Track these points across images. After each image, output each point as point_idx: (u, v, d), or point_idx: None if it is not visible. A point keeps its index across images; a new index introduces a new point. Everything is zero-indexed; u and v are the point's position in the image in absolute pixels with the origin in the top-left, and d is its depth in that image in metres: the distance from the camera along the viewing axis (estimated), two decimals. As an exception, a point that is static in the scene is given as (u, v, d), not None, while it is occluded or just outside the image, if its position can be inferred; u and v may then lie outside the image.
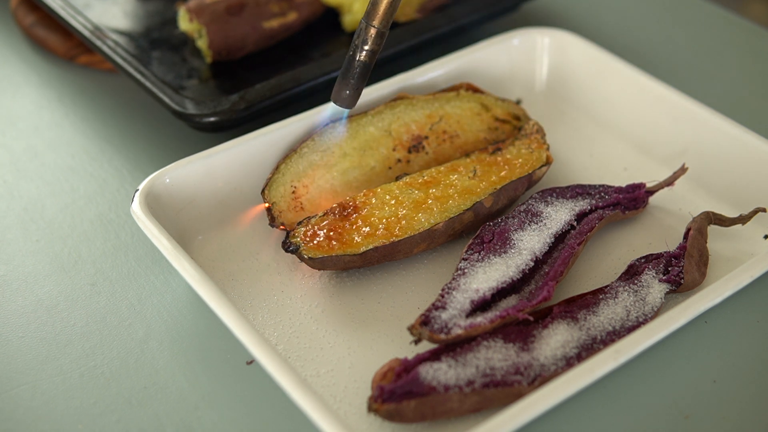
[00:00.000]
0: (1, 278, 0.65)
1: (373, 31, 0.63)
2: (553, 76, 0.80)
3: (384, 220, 0.62)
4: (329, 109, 0.68)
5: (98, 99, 0.83)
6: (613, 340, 0.56)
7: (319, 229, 0.62)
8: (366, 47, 0.64)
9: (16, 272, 0.66)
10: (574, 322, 0.57)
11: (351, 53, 0.64)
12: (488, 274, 0.59)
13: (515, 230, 0.62)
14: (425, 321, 0.56)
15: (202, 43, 0.80)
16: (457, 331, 0.55)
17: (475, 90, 0.72)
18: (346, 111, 0.68)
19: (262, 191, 0.65)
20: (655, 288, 0.60)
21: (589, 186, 0.67)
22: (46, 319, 0.62)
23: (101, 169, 0.75)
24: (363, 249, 0.60)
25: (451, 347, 0.55)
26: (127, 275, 0.65)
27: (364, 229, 0.62)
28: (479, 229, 0.63)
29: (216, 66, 0.80)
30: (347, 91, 0.65)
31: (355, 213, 0.63)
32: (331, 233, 0.61)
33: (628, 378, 0.57)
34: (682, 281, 0.60)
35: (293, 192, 0.66)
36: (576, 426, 0.55)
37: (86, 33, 0.80)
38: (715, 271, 0.63)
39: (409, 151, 0.69)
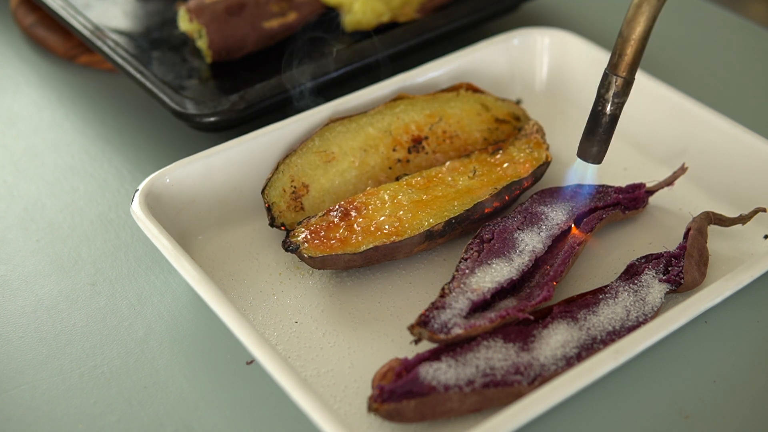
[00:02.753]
0: (1, 278, 0.65)
1: (620, 82, 0.59)
2: (553, 76, 0.80)
3: (384, 220, 0.62)
4: (575, 165, 0.65)
5: (98, 99, 0.83)
6: (613, 340, 0.56)
7: (319, 229, 0.62)
8: (615, 99, 0.60)
9: (16, 272, 0.66)
10: (574, 322, 0.57)
11: (598, 107, 0.60)
12: (488, 274, 0.59)
13: (515, 230, 0.62)
14: (425, 321, 0.56)
15: (202, 43, 0.80)
16: (457, 331, 0.55)
17: (475, 90, 0.72)
18: (593, 167, 0.64)
19: (262, 191, 0.65)
20: (655, 288, 0.60)
21: (589, 186, 0.67)
22: (46, 319, 0.62)
23: (101, 169, 0.75)
24: (363, 248, 0.60)
25: (451, 347, 0.55)
26: (127, 275, 0.65)
27: (364, 228, 0.62)
28: (479, 229, 0.63)
29: (216, 66, 0.80)
30: (596, 147, 0.62)
31: (355, 213, 0.63)
32: (331, 233, 0.61)
33: (628, 378, 0.57)
34: (682, 281, 0.60)
35: (293, 192, 0.66)
36: (576, 426, 0.55)
37: (86, 33, 0.80)
38: (715, 271, 0.63)
39: (409, 151, 0.69)
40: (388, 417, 0.52)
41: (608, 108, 0.60)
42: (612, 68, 0.59)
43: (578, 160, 0.63)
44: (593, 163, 0.63)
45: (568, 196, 0.66)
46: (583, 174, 0.65)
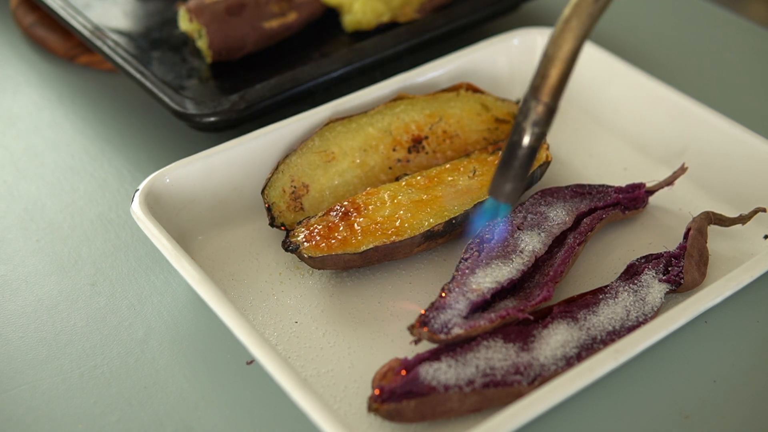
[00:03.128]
0: (1, 278, 0.65)
1: (541, 109, 0.50)
2: (553, 76, 0.80)
3: (384, 220, 0.62)
4: (486, 204, 0.59)
5: (98, 99, 0.83)
6: (613, 340, 0.56)
7: (319, 229, 0.62)
8: (535, 129, 0.51)
9: (16, 272, 0.66)
10: (574, 322, 0.57)
11: (514, 137, 0.52)
12: (488, 275, 0.59)
13: (515, 230, 0.62)
14: (425, 321, 0.56)
15: (202, 43, 0.80)
16: (457, 331, 0.55)
17: (475, 90, 0.72)
18: (506, 207, 0.57)
19: (262, 191, 0.65)
20: (655, 288, 0.60)
21: (589, 186, 0.67)
22: (46, 319, 0.62)
23: (101, 169, 0.75)
24: (363, 248, 0.60)
25: (451, 347, 0.55)
26: (127, 275, 0.65)
27: (364, 228, 0.62)
28: (479, 229, 0.63)
29: (216, 66, 0.80)
30: (509, 184, 0.53)
31: (355, 213, 0.63)
32: (331, 233, 0.61)
33: (628, 378, 0.57)
34: (682, 281, 0.60)
35: (293, 192, 0.66)
36: (576, 426, 0.55)
37: (86, 33, 0.80)
38: (715, 271, 0.63)
39: (409, 151, 0.70)
40: (388, 417, 0.52)
41: (525, 139, 0.51)
42: (533, 92, 0.51)
43: (489, 198, 0.55)
44: (506, 202, 0.54)
45: (568, 195, 0.66)
46: (494, 213, 0.59)
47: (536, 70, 0.50)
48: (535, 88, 0.51)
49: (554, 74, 0.50)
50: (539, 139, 0.52)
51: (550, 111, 0.51)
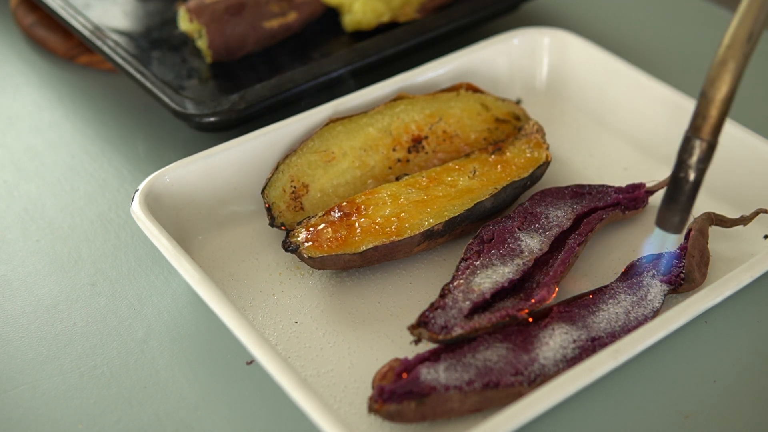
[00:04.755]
0: (1, 278, 0.65)
1: (704, 146, 0.54)
2: (553, 76, 0.80)
3: (384, 220, 0.62)
4: (654, 235, 0.61)
5: (98, 99, 0.83)
6: (613, 341, 0.56)
7: (319, 229, 0.62)
8: (699, 165, 0.54)
9: (16, 272, 0.66)
10: (574, 322, 0.57)
11: (680, 173, 0.55)
12: (488, 275, 0.59)
13: (515, 230, 0.62)
14: (425, 321, 0.56)
15: (202, 43, 0.80)
16: (457, 331, 0.55)
17: (475, 90, 0.72)
18: (673, 237, 0.60)
19: (262, 191, 0.65)
20: (655, 288, 0.60)
21: (589, 186, 0.67)
22: (46, 319, 0.62)
23: (101, 169, 0.75)
24: (363, 248, 0.60)
25: (451, 347, 0.55)
26: (127, 275, 0.65)
27: (364, 228, 0.62)
28: (479, 229, 0.63)
29: (216, 66, 0.80)
30: (678, 216, 0.56)
31: (355, 213, 0.63)
32: (331, 233, 0.61)
33: (628, 378, 0.57)
34: (682, 282, 0.60)
35: (293, 192, 0.66)
36: (576, 426, 0.55)
37: (86, 33, 0.80)
38: (715, 272, 0.63)
39: (409, 151, 0.69)
40: (389, 417, 0.52)
41: (691, 175, 0.55)
42: (695, 131, 0.54)
43: (656, 229, 0.58)
44: (674, 233, 0.57)
45: (568, 196, 0.66)
46: (662, 244, 0.62)
47: (696, 110, 0.53)
48: (696, 128, 0.54)
49: (714, 114, 0.53)
50: (703, 173, 0.55)
51: (712, 148, 0.54)
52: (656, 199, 0.68)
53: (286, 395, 0.55)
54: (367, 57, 0.78)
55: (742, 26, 0.52)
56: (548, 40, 0.79)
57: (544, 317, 0.58)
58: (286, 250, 0.61)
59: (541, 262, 0.61)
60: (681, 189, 0.55)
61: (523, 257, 0.60)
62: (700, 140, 0.54)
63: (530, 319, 0.57)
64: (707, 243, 0.63)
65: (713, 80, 0.53)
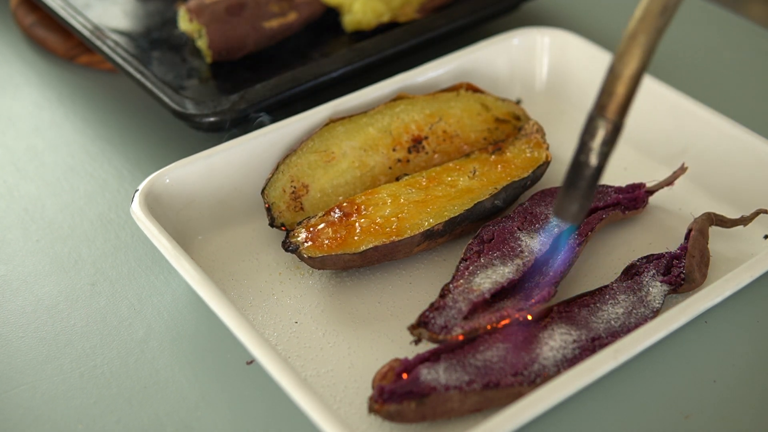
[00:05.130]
0: (1, 278, 0.65)
1: (609, 127, 0.49)
2: (553, 76, 0.80)
3: (384, 220, 0.62)
4: (550, 223, 0.59)
5: (98, 99, 0.83)
6: (613, 341, 0.56)
7: (319, 229, 0.62)
8: (603, 148, 0.49)
9: (16, 272, 0.66)
10: (574, 322, 0.57)
11: (581, 157, 0.50)
12: (488, 275, 0.59)
13: (515, 230, 0.62)
14: (425, 321, 0.56)
15: (202, 43, 0.80)
16: (457, 332, 0.55)
17: (475, 90, 0.72)
18: (571, 227, 0.58)
19: (262, 191, 0.65)
20: (655, 288, 0.60)
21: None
22: (46, 319, 0.62)
23: (101, 169, 0.75)
24: (363, 248, 0.60)
25: (451, 347, 0.55)
26: (127, 275, 0.65)
27: (363, 228, 0.62)
28: (479, 229, 0.63)
29: (216, 66, 0.80)
30: (576, 204, 0.51)
31: (355, 213, 0.63)
32: (331, 233, 0.61)
33: (628, 378, 0.57)
34: (683, 282, 0.60)
35: (293, 192, 0.66)
36: (576, 426, 0.55)
37: (86, 33, 0.80)
38: (715, 272, 0.63)
39: (409, 151, 0.69)
40: (389, 418, 0.52)
41: (593, 158, 0.50)
42: (599, 110, 0.49)
43: (552, 218, 0.55)
44: (572, 222, 0.53)
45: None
46: (556, 232, 0.60)
47: (602, 88, 0.49)
48: (601, 107, 0.49)
49: (622, 92, 0.49)
50: (607, 157, 0.50)
51: (617, 129, 0.50)
52: (656, 199, 0.68)
53: (286, 395, 0.55)
54: (367, 57, 0.78)
55: None
56: (548, 40, 0.79)
57: (544, 317, 0.58)
58: (286, 250, 0.61)
59: (541, 263, 0.61)
60: (581, 174, 0.51)
61: (523, 257, 0.60)
62: (605, 120, 0.49)
63: (530, 319, 0.57)
64: (707, 243, 0.63)
65: (622, 55, 0.48)
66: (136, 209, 0.61)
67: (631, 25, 0.48)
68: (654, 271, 0.61)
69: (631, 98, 0.49)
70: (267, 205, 0.65)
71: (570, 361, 0.55)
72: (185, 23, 0.81)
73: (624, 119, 0.50)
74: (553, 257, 0.61)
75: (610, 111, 0.49)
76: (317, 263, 0.61)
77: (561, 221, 0.53)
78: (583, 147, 0.50)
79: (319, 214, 0.63)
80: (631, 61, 0.48)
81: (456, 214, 0.63)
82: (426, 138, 0.70)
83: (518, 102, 0.76)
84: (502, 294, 0.59)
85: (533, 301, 0.57)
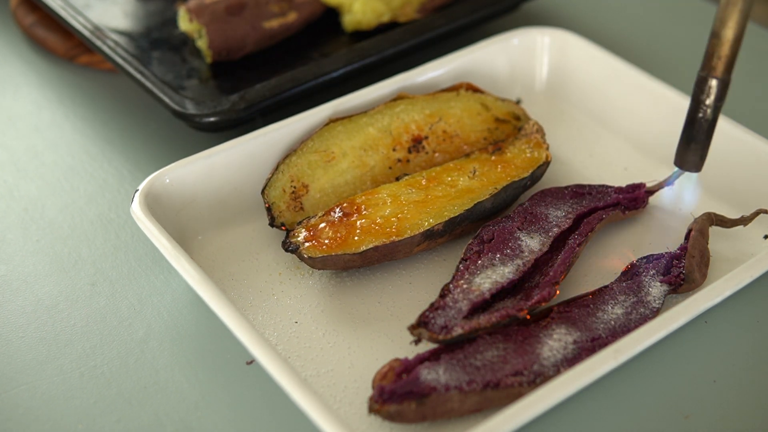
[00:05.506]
0: (1, 278, 0.65)
1: (715, 83, 0.57)
2: (553, 76, 0.80)
3: (384, 220, 0.62)
4: (674, 174, 0.64)
5: (98, 99, 0.83)
6: (613, 341, 0.56)
7: (319, 229, 0.62)
8: (717, 103, 0.57)
9: (16, 272, 0.66)
10: (574, 322, 0.57)
11: (698, 113, 0.58)
12: (488, 275, 0.59)
13: (515, 230, 0.62)
14: (425, 321, 0.56)
15: (202, 43, 0.80)
16: (457, 332, 0.55)
17: (475, 90, 0.72)
18: (694, 176, 0.64)
19: (262, 191, 0.65)
20: (655, 288, 0.60)
21: (589, 186, 0.67)
22: (46, 319, 0.62)
23: (101, 169, 0.75)
24: (363, 248, 0.60)
25: (451, 347, 0.55)
26: (127, 275, 0.65)
27: (363, 228, 0.62)
28: (479, 229, 0.63)
29: (216, 66, 0.80)
30: (697, 155, 0.60)
31: (355, 213, 0.63)
32: (331, 233, 0.61)
33: (628, 378, 0.57)
34: (683, 282, 0.60)
35: (293, 192, 0.66)
36: (576, 426, 0.55)
37: (86, 33, 0.80)
38: (715, 272, 0.63)
39: (409, 151, 0.69)
40: (389, 418, 0.52)
41: (709, 113, 0.57)
42: (710, 71, 0.56)
43: (676, 169, 0.62)
44: (695, 171, 0.61)
45: (568, 196, 0.66)
46: (684, 182, 0.64)
47: (708, 51, 0.56)
48: (711, 68, 0.56)
49: (726, 53, 0.56)
50: (719, 111, 0.58)
51: (726, 85, 0.57)
52: (656, 199, 0.68)
53: (286, 395, 0.55)
54: (367, 57, 0.78)
55: None
56: (548, 40, 0.79)
57: (544, 317, 0.58)
58: (286, 250, 0.61)
59: (541, 262, 0.61)
60: (700, 128, 0.58)
61: (523, 257, 0.60)
62: (715, 79, 0.56)
63: (530, 318, 0.57)
64: (707, 243, 0.63)
65: (723, 20, 0.55)
66: (136, 209, 0.61)
67: None
68: (654, 271, 0.61)
69: (735, 57, 0.56)
70: (267, 205, 0.65)
71: (570, 361, 0.55)
72: (185, 23, 0.81)
73: (730, 75, 0.56)
74: (553, 257, 0.61)
75: (719, 70, 0.56)
76: (317, 263, 0.61)
77: (685, 170, 0.61)
78: (698, 105, 0.58)
79: (319, 214, 0.63)
80: (732, 25, 0.55)
81: (456, 214, 0.63)
82: (426, 138, 0.70)
83: (518, 102, 0.76)
84: (502, 294, 0.59)
85: (533, 301, 0.57)
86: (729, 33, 0.55)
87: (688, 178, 0.65)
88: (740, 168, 0.68)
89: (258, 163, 0.68)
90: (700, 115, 0.58)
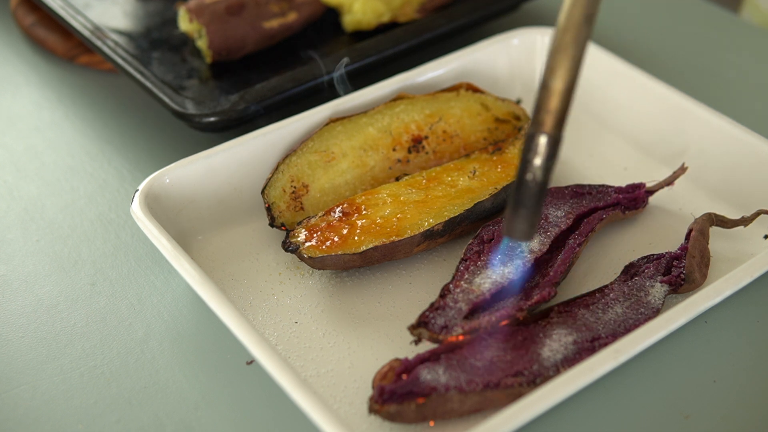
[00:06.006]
0: (1, 278, 0.65)
1: (544, 140, 0.49)
2: (553, 76, 0.80)
3: (384, 220, 0.62)
4: (502, 245, 0.59)
5: (98, 99, 0.83)
6: (613, 341, 0.56)
7: (319, 229, 0.62)
8: (539, 162, 0.49)
9: (16, 272, 0.66)
10: (573, 322, 0.57)
11: (526, 175, 0.50)
12: (488, 275, 0.59)
13: (515, 230, 0.62)
14: (425, 321, 0.56)
15: (202, 43, 0.80)
16: (457, 332, 0.55)
17: (475, 90, 0.72)
18: (524, 244, 0.59)
19: (262, 191, 0.65)
20: (655, 288, 0.60)
21: (589, 186, 0.67)
22: (46, 319, 0.62)
23: (101, 169, 0.75)
24: (363, 248, 0.60)
25: (451, 347, 0.55)
26: (127, 275, 0.65)
27: (364, 228, 0.62)
28: (479, 229, 0.63)
29: (216, 66, 0.80)
30: (525, 222, 0.51)
31: (355, 213, 0.63)
32: (331, 233, 0.61)
33: (628, 378, 0.57)
34: (683, 282, 0.60)
35: (293, 192, 0.66)
36: (576, 426, 0.55)
37: (86, 33, 0.80)
38: (715, 272, 0.63)
39: (409, 151, 0.69)
40: (389, 418, 0.52)
41: (539, 174, 0.49)
42: (538, 127, 0.49)
43: (505, 239, 0.56)
44: (525, 240, 0.53)
45: (568, 196, 0.66)
46: (511, 254, 0.59)
47: (537, 105, 0.49)
48: (539, 123, 0.49)
49: (556, 106, 0.49)
50: (550, 172, 0.50)
51: (557, 142, 0.50)
52: (656, 199, 0.68)
53: (286, 395, 0.55)
54: (367, 57, 0.78)
55: (576, 7, 0.48)
56: (548, 40, 0.79)
57: (544, 317, 0.58)
58: (286, 250, 0.61)
59: (541, 262, 0.61)
60: (529, 192, 0.50)
61: (523, 257, 0.60)
62: (544, 135, 0.49)
63: (530, 318, 0.57)
64: (708, 243, 0.63)
65: (553, 69, 0.48)
66: (136, 209, 0.61)
67: (557, 38, 0.48)
68: (654, 271, 0.61)
69: (567, 110, 0.49)
70: (267, 205, 0.65)
71: (570, 361, 0.54)
72: (185, 23, 0.81)
73: (562, 132, 0.50)
74: (553, 257, 0.61)
75: (548, 126, 0.49)
76: (317, 263, 0.61)
77: (513, 241, 0.54)
78: (527, 165, 0.50)
79: (319, 214, 0.63)
80: (562, 75, 0.48)
81: (456, 214, 0.62)
82: (426, 138, 0.70)
83: (518, 102, 0.76)
84: (502, 294, 0.58)
85: (533, 301, 0.57)
86: (558, 84, 0.48)
87: (521, 246, 0.60)
88: (740, 168, 0.68)
89: (258, 163, 0.68)
90: (529, 176, 0.50)
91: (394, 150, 0.69)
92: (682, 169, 0.66)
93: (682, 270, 0.60)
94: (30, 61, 0.89)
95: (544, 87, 0.49)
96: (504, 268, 0.59)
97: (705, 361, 0.59)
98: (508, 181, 0.65)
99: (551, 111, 0.49)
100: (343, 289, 0.63)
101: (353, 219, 0.62)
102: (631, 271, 0.62)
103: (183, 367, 0.59)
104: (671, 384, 0.57)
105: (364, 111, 0.70)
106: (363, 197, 0.64)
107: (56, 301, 0.63)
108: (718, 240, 0.65)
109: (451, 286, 0.58)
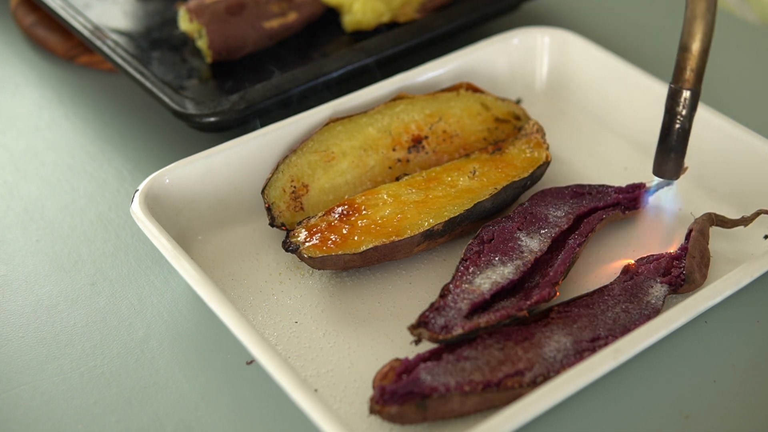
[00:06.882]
0: (1, 278, 0.65)
1: (689, 94, 0.60)
2: (553, 75, 0.80)
3: (384, 220, 0.62)
4: (655, 184, 0.66)
5: (98, 99, 0.83)
6: (613, 341, 0.56)
7: (319, 229, 0.62)
8: (686, 113, 0.61)
9: (16, 272, 0.66)
10: (573, 322, 0.57)
11: (674, 124, 0.61)
12: (488, 275, 0.59)
13: (515, 230, 0.62)
14: (425, 321, 0.56)
15: (202, 43, 0.80)
16: (457, 331, 0.55)
17: (475, 90, 0.72)
18: (674, 183, 0.66)
19: (262, 191, 0.65)
20: (655, 288, 0.60)
21: (589, 186, 0.67)
22: (46, 319, 0.62)
23: (101, 169, 0.75)
24: (363, 248, 0.60)
25: (452, 347, 0.55)
26: (127, 275, 0.65)
27: (363, 228, 0.62)
28: (479, 229, 0.63)
29: (216, 66, 0.80)
30: (672, 163, 0.62)
31: (355, 213, 0.63)
32: (331, 233, 0.61)
33: (628, 378, 0.57)
34: (683, 282, 0.60)
35: (293, 192, 0.66)
36: (576, 426, 0.55)
37: (86, 33, 0.80)
38: (715, 272, 0.63)
39: (409, 151, 0.70)
40: (390, 419, 0.52)
41: (685, 124, 0.61)
42: (682, 83, 0.60)
43: (656, 178, 0.64)
44: (673, 178, 0.63)
45: (568, 196, 0.66)
46: (666, 192, 0.66)
47: (679, 64, 0.60)
48: (683, 80, 0.60)
49: (695, 65, 0.59)
50: (692, 120, 0.61)
51: (698, 95, 0.60)
52: (656, 199, 0.68)
53: (286, 395, 0.55)
54: (367, 57, 0.78)
55: None
56: (548, 40, 0.79)
57: (544, 317, 0.58)
58: (286, 250, 0.61)
59: (541, 262, 0.61)
60: (673, 137, 0.61)
61: (523, 257, 0.60)
62: (689, 90, 0.60)
63: (530, 318, 0.57)
64: (708, 243, 0.63)
65: (692, 34, 0.58)
66: (136, 209, 0.61)
67: (692, 9, 0.58)
68: (654, 271, 0.61)
69: (704, 68, 0.59)
70: (267, 205, 0.65)
71: (570, 361, 0.54)
72: (185, 23, 0.81)
73: (699, 85, 0.60)
74: (553, 257, 0.61)
75: (690, 82, 0.60)
76: (317, 263, 0.61)
77: (663, 179, 0.64)
78: (673, 115, 0.61)
79: (319, 214, 0.63)
80: (700, 38, 0.58)
81: (456, 214, 0.63)
82: (426, 138, 0.70)
83: (518, 102, 0.76)
84: (502, 294, 0.59)
85: (533, 301, 0.57)
86: (697, 45, 0.59)
87: (671, 186, 0.66)
88: (740, 168, 0.68)
89: (258, 163, 0.68)
90: (677, 125, 0.61)
91: (394, 150, 0.69)
92: (683, 169, 0.66)
93: (682, 270, 0.60)
94: (30, 61, 0.89)
95: (686, 50, 0.59)
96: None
97: (705, 361, 0.59)
98: (508, 181, 0.65)
99: (694, 69, 0.59)
100: (343, 289, 0.63)
101: (353, 219, 0.62)
102: (631, 271, 0.62)
103: (183, 367, 0.59)
104: (671, 384, 0.57)
105: (364, 111, 0.70)
106: (363, 197, 0.64)
107: (56, 301, 0.64)
108: (718, 240, 0.65)
109: (451, 286, 0.58)
